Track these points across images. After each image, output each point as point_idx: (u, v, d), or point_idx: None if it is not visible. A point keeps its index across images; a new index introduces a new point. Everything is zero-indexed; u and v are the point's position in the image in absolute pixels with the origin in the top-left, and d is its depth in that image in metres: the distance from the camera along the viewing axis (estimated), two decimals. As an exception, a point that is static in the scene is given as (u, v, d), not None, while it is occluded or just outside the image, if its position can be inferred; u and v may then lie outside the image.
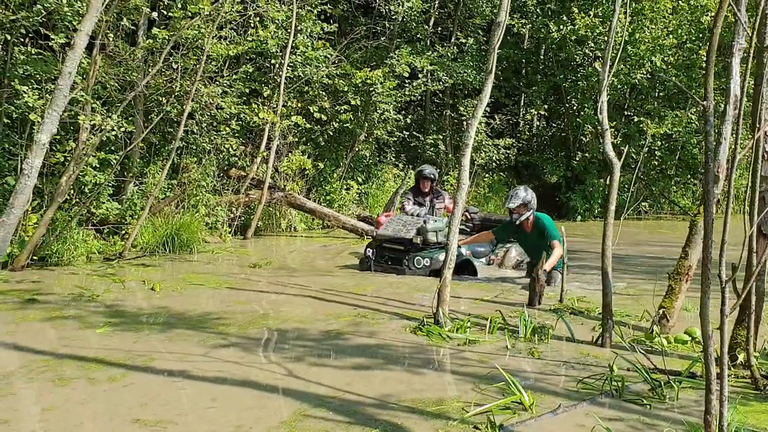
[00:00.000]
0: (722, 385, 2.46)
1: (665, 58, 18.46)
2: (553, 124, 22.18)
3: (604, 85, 5.55)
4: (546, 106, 20.65)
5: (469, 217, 9.64)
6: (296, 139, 14.65)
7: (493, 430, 3.24)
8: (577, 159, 20.33)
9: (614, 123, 17.99)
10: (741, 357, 4.33)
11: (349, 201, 15.69)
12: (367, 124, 15.53)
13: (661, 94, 20.75)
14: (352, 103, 14.64)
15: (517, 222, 7.73)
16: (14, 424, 3.35)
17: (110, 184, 10.20)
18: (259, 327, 5.57)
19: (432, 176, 9.81)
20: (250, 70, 13.25)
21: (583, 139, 20.79)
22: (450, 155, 18.95)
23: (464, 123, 18.29)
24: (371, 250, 8.55)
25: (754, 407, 3.71)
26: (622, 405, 3.75)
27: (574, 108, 20.55)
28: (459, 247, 7.88)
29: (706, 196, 2.93)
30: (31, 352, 4.70)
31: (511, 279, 8.17)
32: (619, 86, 19.02)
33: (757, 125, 3.77)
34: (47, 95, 8.40)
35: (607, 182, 19.59)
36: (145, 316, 5.92)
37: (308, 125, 14.04)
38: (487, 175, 19.61)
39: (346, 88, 14.66)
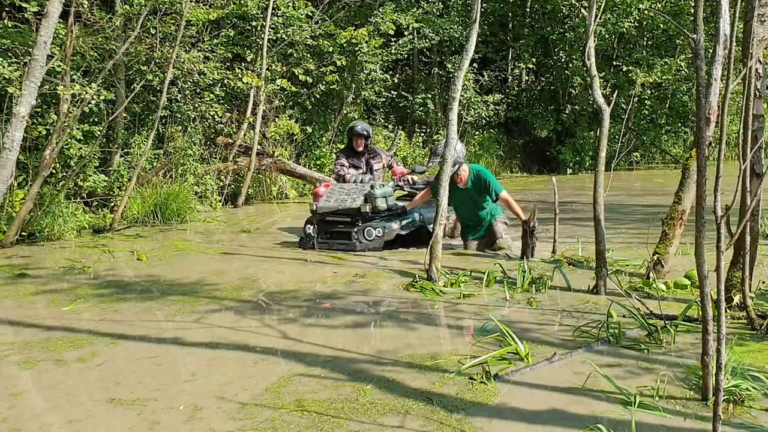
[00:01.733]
0: (720, 322, 2.42)
1: (652, 5, 18.22)
2: (542, 78, 21.99)
3: (591, 30, 5.43)
4: (534, 60, 20.43)
5: (411, 181, 8.52)
6: (282, 104, 14.46)
7: (489, 381, 3.22)
8: (567, 112, 20.21)
9: (603, 73, 17.83)
10: (737, 298, 4.31)
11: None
12: (354, 86, 15.34)
13: (649, 42, 20.56)
14: (338, 63, 14.43)
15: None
16: (24, 398, 3.30)
17: (96, 157, 10.06)
18: (250, 291, 5.51)
19: (365, 133, 8.49)
20: (232, 34, 13.02)
21: (572, 91, 20.64)
22: (440, 114, 18.79)
23: (452, 80, 18.09)
24: (312, 227, 7.47)
25: (750, 347, 3.69)
26: (619, 351, 3.74)
27: (563, 60, 20.36)
28: (412, 211, 7.57)
29: (698, 134, 2.86)
30: (21, 326, 4.64)
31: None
32: (606, 36, 18.81)
33: (747, 61, 3.68)
34: (24, 68, 8.20)
35: (597, 133, 19.64)
36: (134, 286, 5.85)
37: (294, 88, 13.85)
38: (477, 133, 19.48)
39: (330, 49, 14.43)
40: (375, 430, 2.78)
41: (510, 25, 21.41)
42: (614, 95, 6.49)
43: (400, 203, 7.86)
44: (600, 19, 5.47)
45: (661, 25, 19.45)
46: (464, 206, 7.16)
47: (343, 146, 9.39)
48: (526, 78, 22.05)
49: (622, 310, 4.32)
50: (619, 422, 2.75)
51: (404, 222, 7.38)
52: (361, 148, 8.50)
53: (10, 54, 8.74)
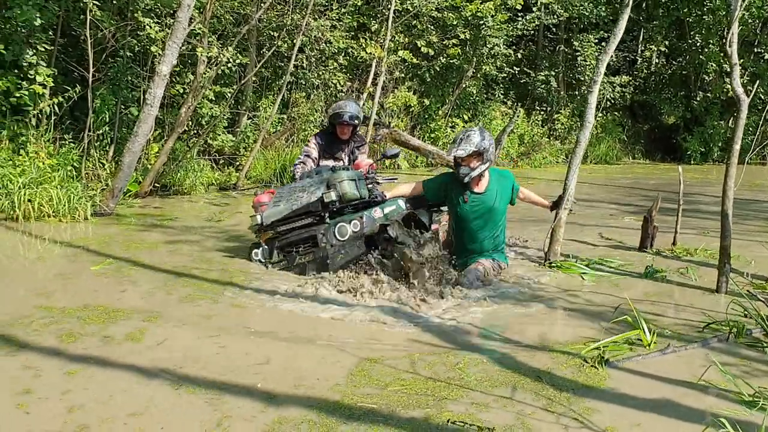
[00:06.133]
0: None
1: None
2: (674, 62, 20.86)
3: (736, 15, 5.15)
4: (666, 42, 19.42)
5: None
6: (402, 75, 14.57)
7: (600, 365, 3.23)
8: (698, 99, 19.14)
9: (742, 60, 16.72)
10: None
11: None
12: (475, 60, 15.20)
13: (798, 27, 19.05)
14: (461, 37, 14.35)
15: (466, 179, 4.98)
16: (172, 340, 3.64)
17: (225, 117, 10.59)
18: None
19: (355, 121, 5.95)
20: (359, 3, 13.21)
21: (706, 77, 19.51)
22: (562, 92, 18.29)
23: (579, 58, 17.54)
24: (261, 249, 5.33)
25: None
26: (737, 350, 3.61)
27: (698, 44, 19.23)
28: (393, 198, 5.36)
29: None
30: (152, 270, 5.05)
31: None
32: (749, 20, 17.58)
33: None
34: (167, 29, 8.74)
35: (731, 123, 18.50)
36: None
37: (415, 60, 13.91)
38: (600, 114, 18.83)
39: (455, 22, 14.36)
40: (485, 399, 2.86)
41: (644, 5, 20.39)
42: (755, 85, 6.11)
43: (379, 187, 5.61)
44: (744, 1, 5.19)
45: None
46: (472, 220, 5.11)
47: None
48: (657, 61, 20.99)
49: (742, 309, 4.16)
50: (740, 422, 2.68)
51: (387, 209, 5.16)
52: (346, 137, 6.06)
53: (152, 14, 9.31)
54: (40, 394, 2.82)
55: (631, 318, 3.79)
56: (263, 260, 5.27)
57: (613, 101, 18.66)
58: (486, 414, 2.72)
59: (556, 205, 5.53)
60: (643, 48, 20.49)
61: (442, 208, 5.57)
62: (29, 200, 6.90)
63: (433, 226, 5.48)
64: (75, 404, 2.73)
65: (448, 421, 2.63)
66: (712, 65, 18.66)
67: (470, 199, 5.06)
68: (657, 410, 2.82)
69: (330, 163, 5.99)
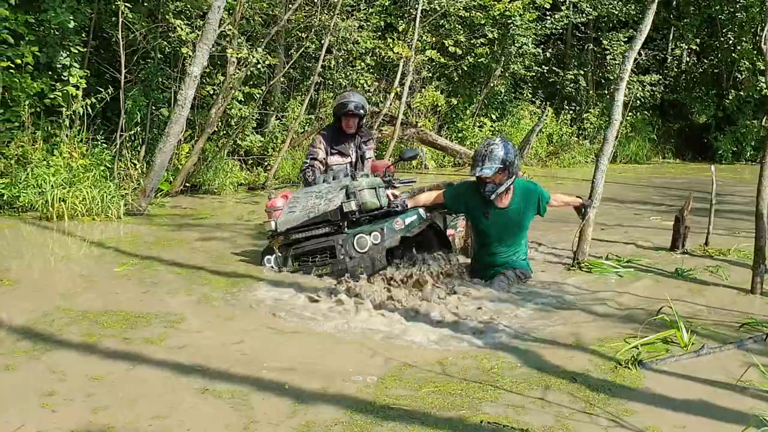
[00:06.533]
0: None
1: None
2: (705, 60, 20.54)
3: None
4: (698, 40, 19.13)
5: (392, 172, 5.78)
6: (430, 75, 14.56)
7: (635, 366, 3.19)
8: (730, 98, 18.82)
9: (777, 57, 16.40)
10: None
11: (482, 138, 15.48)
12: (503, 59, 15.13)
13: (834, 24, 18.62)
14: (489, 36, 14.29)
15: (493, 197, 4.71)
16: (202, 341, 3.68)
17: (254, 118, 10.67)
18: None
19: (361, 111, 5.75)
20: (387, 3, 13.23)
21: (739, 75, 19.18)
22: (591, 91, 18.12)
23: (608, 57, 17.35)
24: (274, 256, 5.05)
25: None
26: (772, 351, 3.55)
27: (730, 42, 18.91)
28: (414, 209, 4.99)
29: None
30: (177, 270, 5.11)
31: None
32: (785, 16, 17.25)
33: None
34: (197, 30, 8.84)
35: (765, 122, 18.17)
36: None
37: (442, 59, 13.89)
38: (629, 114, 18.59)
39: (483, 21, 14.31)
40: (521, 401, 2.83)
41: (674, 2, 20.11)
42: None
43: (401, 193, 5.42)
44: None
45: None
46: (492, 236, 4.87)
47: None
48: (687, 59, 20.68)
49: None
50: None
51: (408, 219, 4.86)
52: (352, 130, 5.86)
53: (183, 16, 9.43)
54: (65, 395, 2.81)
55: (668, 318, 3.73)
56: (276, 267, 5.01)
57: (642, 100, 18.42)
58: (523, 416, 2.69)
59: (584, 207, 5.26)
60: (673, 46, 20.19)
61: (454, 216, 5.40)
62: (62, 200, 7.01)
63: (449, 231, 5.32)
64: (99, 405, 2.71)
65: (481, 422, 2.61)
66: (744, 63, 18.35)
67: (492, 215, 4.79)
68: (696, 411, 2.77)
69: (337, 159, 5.78)
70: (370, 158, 5.98)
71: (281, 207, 5.10)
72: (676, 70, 20.23)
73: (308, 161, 5.74)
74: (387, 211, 4.96)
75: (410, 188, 5.63)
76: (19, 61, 7.49)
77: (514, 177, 4.70)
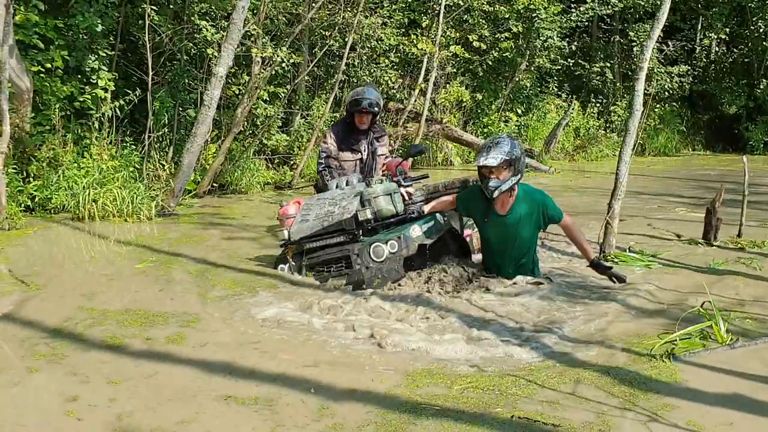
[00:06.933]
0: None
1: None
2: (735, 50, 20.13)
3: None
4: (727, 30, 18.75)
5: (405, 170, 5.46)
6: (454, 70, 14.48)
7: (668, 359, 3.14)
8: (761, 87, 18.44)
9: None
10: None
11: (508, 134, 15.37)
12: (528, 53, 15.00)
13: None
14: (513, 30, 14.17)
15: (495, 193, 4.37)
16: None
17: (279, 117, 10.72)
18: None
19: (375, 109, 5.64)
20: (410, 0, 13.20)
21: (770, 65, 18.81)
22: (618, 84, 17.88)
23: (635, 49, 17.11)
24: (288, 265, 4.88)
25: None
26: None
27: (761, 30, 18.52)
28: (432, 215, 4.90)
29: None
30: (203, 263, 5.15)
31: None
32: (818, 3, 16.87)
33: None
34: (222, 31, 8.90)
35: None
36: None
37: (467, 55, 13.81)
38: (658, 106, 18.30)
39: (507, 15, 14.20)
40: (556, 397, 2.79)
41: (702, -9, 19.78)
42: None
43: (415, 191, 5.28)
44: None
45: None
46: (493, 242, 4.70)
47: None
48: (717, 49, 20.29)
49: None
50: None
51: (426, 226, 4.73)
52: (365, 126, 5.74)
53: (207, 17, 9.50)
54: (88, 401, 2.79)
55: (703, 311, 3.65)
56: (292, 272, 4.84)
57: (671, 92, 18.13)
58: (560, 412, 2.65)
59: (596, 266, 4.61)
60: (702, 36, 19.83)
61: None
62: (94, 200, 7.12)
63: (466, 231, 5.21)
64: (123, 411, 2.69)
65: (512, 418, 2.58)
66: (776, 51, 17.98)
67: (491, 219, 4.55)
68: (739, 407, 2.72)
69: (348, 155, 5.74)
70: (382, 155, 5.88)
71: (294, 215, 4.93)
72: (705, 60, 19.86)
73: (323, 161, 5.69)
74: (403, 218, 4.84)
75: (422, 185, 5.48)
76: (49, 65, 7.63)
77: (519, 176, 4.43)
